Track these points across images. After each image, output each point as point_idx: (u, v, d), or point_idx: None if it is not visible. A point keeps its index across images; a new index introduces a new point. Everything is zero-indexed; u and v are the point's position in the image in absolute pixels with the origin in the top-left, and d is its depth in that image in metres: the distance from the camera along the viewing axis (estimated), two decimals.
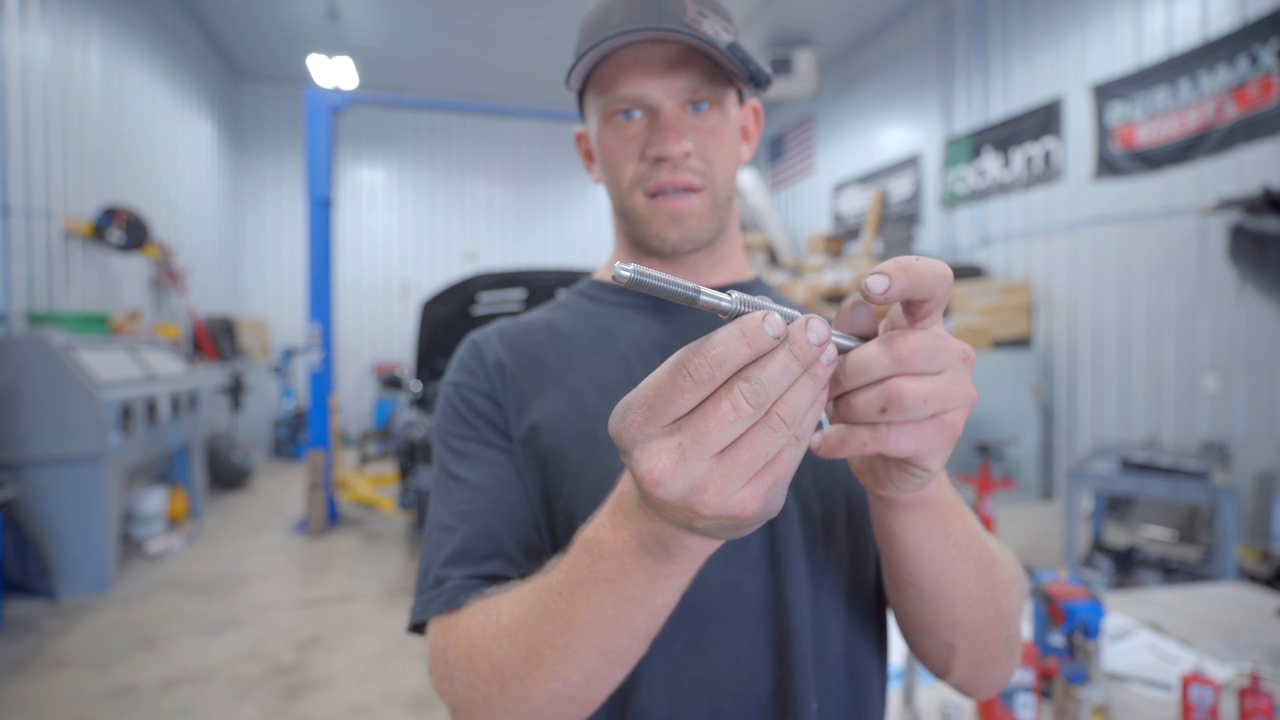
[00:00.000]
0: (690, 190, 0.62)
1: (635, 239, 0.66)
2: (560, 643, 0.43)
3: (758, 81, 0.61)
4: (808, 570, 0.58)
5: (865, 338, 0.36)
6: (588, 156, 0.72)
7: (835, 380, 0.35)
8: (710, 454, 0.29)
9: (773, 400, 0.28)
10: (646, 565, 0.38)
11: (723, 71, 0.61)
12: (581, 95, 0.67)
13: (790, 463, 0.30)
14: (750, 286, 0.72)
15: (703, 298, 0.29)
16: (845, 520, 0.60)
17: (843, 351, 0.34)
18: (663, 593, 0.40)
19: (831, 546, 0.59)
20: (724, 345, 0.28)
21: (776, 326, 0.28)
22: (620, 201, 0.65)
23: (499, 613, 0.48)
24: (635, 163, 0.62)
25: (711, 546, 0.37)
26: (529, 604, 0.45)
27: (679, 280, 0.28)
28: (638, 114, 0.61)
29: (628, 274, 0.28)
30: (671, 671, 0.54)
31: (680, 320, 0.66)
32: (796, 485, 0.59)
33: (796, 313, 0.31)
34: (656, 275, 0.28)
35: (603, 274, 0.74)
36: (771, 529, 0.57)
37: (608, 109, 0.62)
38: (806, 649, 0.56)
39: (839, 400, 0.35)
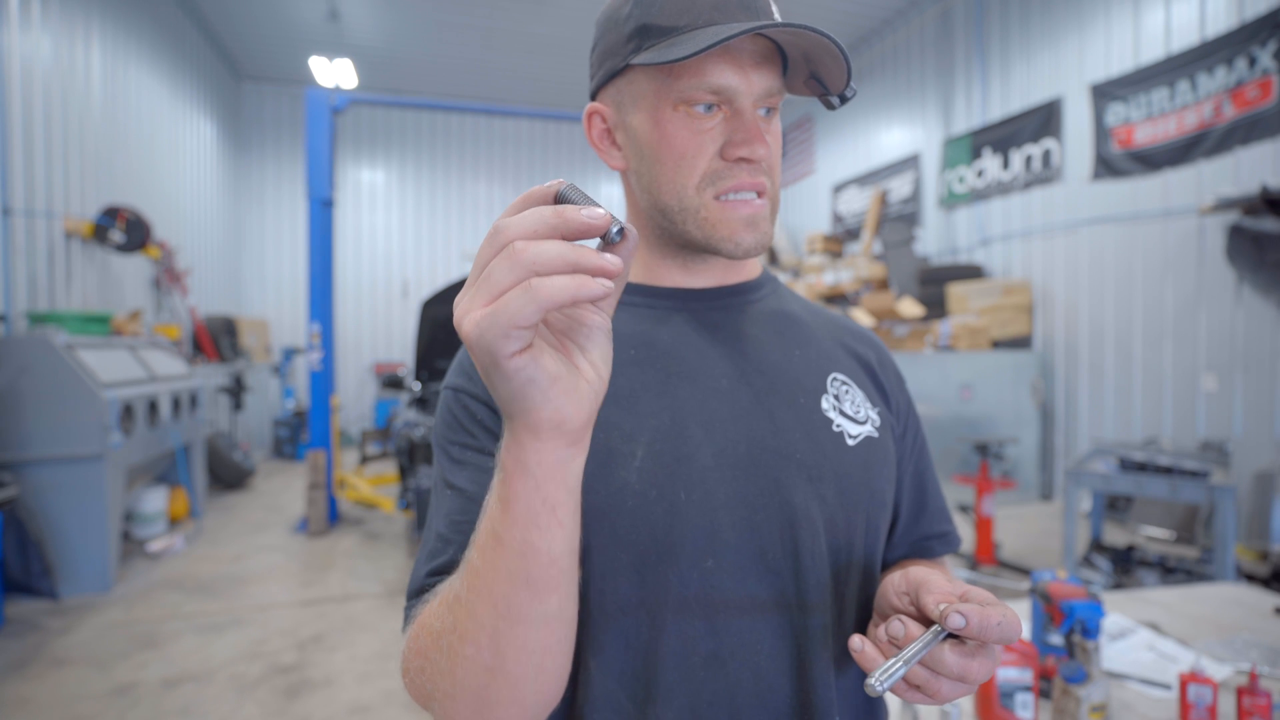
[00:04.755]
0: (763, 194, 0.59)
1: (687, 238, 0.60)
2: (465, 595, 0.43)
3: (845, 98, 0.58)
4: (830, 580, 0.57)
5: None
6: (606, 138, 0.64)
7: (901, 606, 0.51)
8: (472, 280, 0.35)
9: (511, 235, 0.34)
10: (497, 488, 0.41)
11: (783, 76, 0.58)
12: (618, 69, 0.59)
13: (514, 306, 0.33)
14: (760, 283, 0.70)
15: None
16: (864, 532, 0.60)
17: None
18: (516, 525, 0.40)
19: (852, 556, 0.59)
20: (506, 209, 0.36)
21: (546, 185, 0.37)
22: (679, 199, 0.59)
23: (443, 586, 0.48)
24: (710, 160, 0.57)
25: (529, 450, 0.39)
26: (461, 565, 0.46)
27: (592, 201, 0.36)
28: (714, 107, 0.56)
29: (564, 188, 0.36)
30: (690, 685, 0.53)
31: (691, 326, 0.63)
32: (822, 496, 0.58)
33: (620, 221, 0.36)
34: (585, 195, 0.36)
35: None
36: (794, 538, 0.56)
37: (683, 95, 0.56)
38: (827, 661, 0.56)
39: (899, 617, 0.48)
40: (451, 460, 0.58)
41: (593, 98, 0.64)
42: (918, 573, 0.51)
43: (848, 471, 0.59)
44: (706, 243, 0.59)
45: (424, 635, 0.48)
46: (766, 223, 0.60)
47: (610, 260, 0.34)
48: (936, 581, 0.48)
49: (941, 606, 0.45)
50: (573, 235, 0.34)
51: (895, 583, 0.52)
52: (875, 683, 0.42)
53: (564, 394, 0.37)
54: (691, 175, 0.58)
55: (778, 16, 0.55)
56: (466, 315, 0.34)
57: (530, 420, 0.38)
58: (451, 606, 0.45)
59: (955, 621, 0.43)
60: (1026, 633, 1.29)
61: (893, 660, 0.43)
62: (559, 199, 0.36)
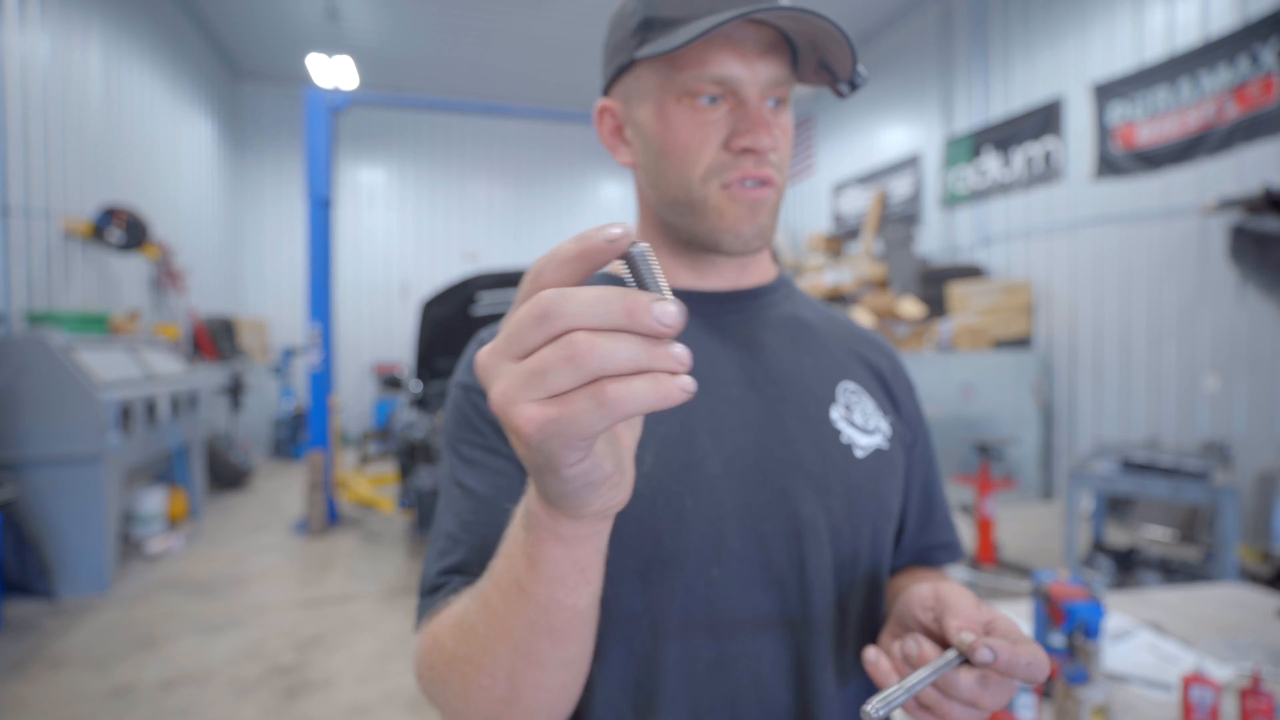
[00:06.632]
0: (768, 184, 0.57)
1: (692, 233, 0.60)
2: (481, 630, 0.42)
3: (854, 84, 0.57)
4: (834, 593, 0.57)
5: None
6: (615, 134, 0.63)
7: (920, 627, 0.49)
8: (513, 354, 0.27)
9: (570, 323, 0.25)
10: (523, 542, 0.38)
11: (795, 67, 0.57)
12: (625, 65, 0.59)
13: (586, 419, 0.26)
14: (774, 287, 0.68)
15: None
16: (870, 544, 0.60)
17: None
18: (542, 583, 0.38)
19: (857, 569, 0.59)
20: (553, 251, 0.28)
21: (611, 235, 0.26)
22: (685, 192, 0.58)
23: (458, 604, 0.47)
24: (714, 152, 0.56)
25: (565, 526, 0.35)
26: (476, 592, 0.44)
27: (660, 279, 0.28)
28: (718, 99, 0.56)
29: (637, 250, 0.27)
30: (691, 691, 0.53)
31: (702, 331, 0.62)
32: (829, 507, 0.57)
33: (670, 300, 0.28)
34: (656, 266, 0.27)
35: (615, 269, 0.67)
36: (800, 549, 0.55)
37: (686, 88, 0.55)
38: (830, 672, 0.55)
39: (915, 635, 0.47)
40: (461, 459, 0.57)
41: (604, 95, 0.64)
42: (947, 592, 0.49)
43: (855, 484, 0.59)
44: (709, 235, 0.59)
45: (436, 652, 0.47)
46: (768, 215, 0.59)
47: (682, 355, 0.26)
48: (964, 606, 0.47)
49: (967, 637, 0.44)
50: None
51: (922, 596, 0.50)
52: (872, 710, 0.41)
53: (615, 488, 0.34)
54: (696, 168, 0.57)
55: (784, 2, 0.54)
56: (515, 407, 0.27)
57: (576, 514, 0.35)
58: (466, 637, 0.44)
59: (984, 656, 0.42)
60: (1027, 634, 1.28)
61: (895, 688, 0.43)
62: (628, 261, 0.27)
